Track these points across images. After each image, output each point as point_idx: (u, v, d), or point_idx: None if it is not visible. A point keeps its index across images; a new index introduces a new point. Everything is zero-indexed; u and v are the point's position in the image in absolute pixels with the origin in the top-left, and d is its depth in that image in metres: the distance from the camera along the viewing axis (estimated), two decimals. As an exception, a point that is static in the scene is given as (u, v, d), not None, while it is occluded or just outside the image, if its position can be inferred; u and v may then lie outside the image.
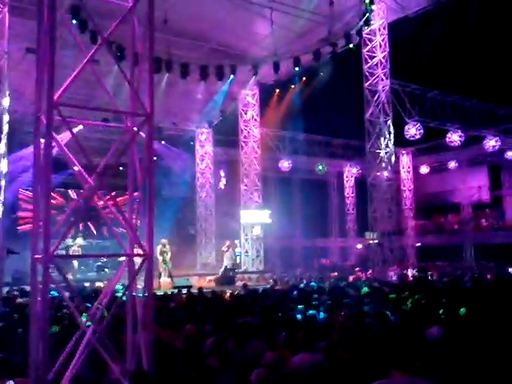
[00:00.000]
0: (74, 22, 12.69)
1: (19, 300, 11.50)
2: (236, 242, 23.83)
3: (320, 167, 28.64)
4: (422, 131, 21.32)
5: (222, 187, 27.27)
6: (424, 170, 30.01)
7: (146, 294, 4.84)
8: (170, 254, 18.60)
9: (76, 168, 4.51)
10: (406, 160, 30.57)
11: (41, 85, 4.44)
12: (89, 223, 24.21)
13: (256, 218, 23.17)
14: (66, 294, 5.49)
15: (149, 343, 4.78)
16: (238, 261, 22.80)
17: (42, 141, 4.16)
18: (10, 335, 7.21)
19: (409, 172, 30.49)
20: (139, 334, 4.83)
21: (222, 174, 27.63)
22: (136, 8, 4.55)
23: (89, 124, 12.72)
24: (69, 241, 22.53)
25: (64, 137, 6.74)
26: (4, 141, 12.21)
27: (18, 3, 13.12)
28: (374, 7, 16.84)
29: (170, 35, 15.87)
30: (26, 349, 4.75)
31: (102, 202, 4.93)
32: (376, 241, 18.69)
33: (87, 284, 16.75)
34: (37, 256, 4.27)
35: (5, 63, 11.27)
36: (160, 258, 18.05)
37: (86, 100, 16.34)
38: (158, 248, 17.90)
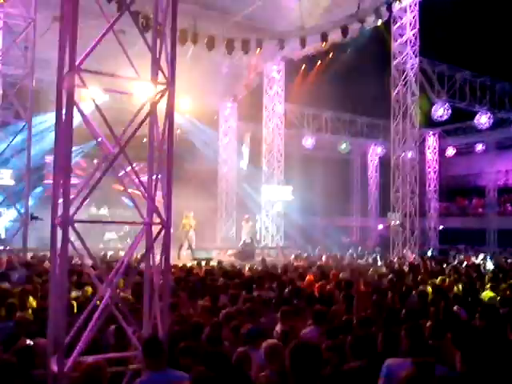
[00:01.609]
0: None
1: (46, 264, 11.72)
2: (257, 217, 23.91)
3: (343, 145, 28.38)
4: (449, 112, 20.88)
5: (245, 168, 27.21)
6: (450, 151, 29.49)
7: (163, 263, 4.91)
8: (193, 226, 18.82)
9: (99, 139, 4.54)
10: (431, 141, 30.08)
11: (64, 51, 4.47)
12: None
13: (277, 194, 23.16)
14: (87, 260, 5.61)
15: (165, 312, 4.86)
16: (257, 236, 22.92)
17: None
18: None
19: (434, 153, 30.02)
20: (155, 303, 4.90)
21: (245, 149, 27.51)
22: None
23: (111, 92, 12.79)
24: (93, 210, 22.95)
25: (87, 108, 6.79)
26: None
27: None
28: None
29: (197, 6, 15.72)
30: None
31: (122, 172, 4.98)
32: (398, 222, 18.56)
33: (111, 252, 17.02)
34: (56, 219, 4.35)
35: (31, 30, 11.32)
36: (183, 231, 18.29)
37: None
38: (183, 220, 18.16)
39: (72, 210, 4.17)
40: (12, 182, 16.01)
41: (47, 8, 13.91)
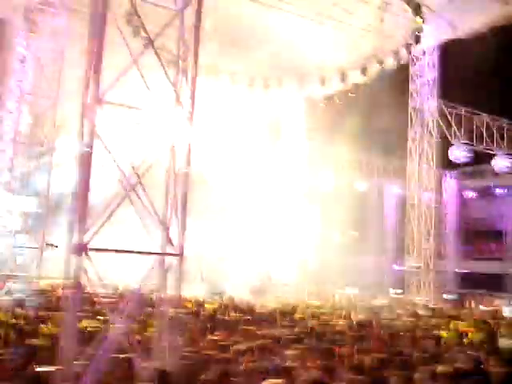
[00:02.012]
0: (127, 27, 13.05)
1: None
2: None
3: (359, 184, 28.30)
4: (468, 154, 20.74)
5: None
6: (469, 194, 29.18)
7: (175, 295, 4.90)
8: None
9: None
10: (449, 182, 29.83)
11: (88, 83, 4.59)
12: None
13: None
14: (99, 290, 5.62)
15: (175, 344, 4.82)
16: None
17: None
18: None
19: (452, 195, 29.73)
20: (166, 335, 4.87)
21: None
22: (184, 14, 4.67)
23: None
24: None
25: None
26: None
27: (77, 6, 13.56)
28: (424, 26, 16.61)
29: (219, 44, 16.10)
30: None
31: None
32: (415, 263, 18.31)
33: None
34: (72, 247, 4.39)
35: (59, 62, 11.69)
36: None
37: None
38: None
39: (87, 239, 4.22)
40: (35, 209, 16.21)
41: (74, 41, 14.40)
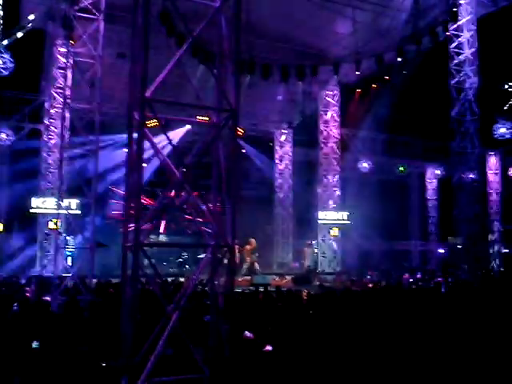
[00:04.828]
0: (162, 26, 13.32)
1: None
2: (313, 242, 23.77)
3: (401, 168, 27.92)
4: (512, 130, 20.18)
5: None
6: (514, 172, 28.36)
7: (228, 285, 5.00)
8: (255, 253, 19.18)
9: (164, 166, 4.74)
10: (493, 161, 29.04)
11: (134, 84, 4.74)
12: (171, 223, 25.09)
13: (334, 218, 23.00)
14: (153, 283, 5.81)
15: (230, 334, 4.93)
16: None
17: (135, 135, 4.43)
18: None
19: (496, 174, 28.94)
20: (220, 325, 4.98)
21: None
22: (223, 8, 4.72)
23: (177, 120, 13.29)
24: (152, 237, 23.53)
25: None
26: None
27: (112, 11, 13.90)
28: (462, 1, 16.21)
29: (252, 37, 16.14)
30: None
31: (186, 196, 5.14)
32: (459, 245, 17.97)
33: (170, 279, 17.38)
34: (127, 244, 4.54)
35: (98, 67, 11.97)
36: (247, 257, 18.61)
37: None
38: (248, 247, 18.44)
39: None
40: (78, 212, 16.78)
41: (111, 45, 14.75)
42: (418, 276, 21.00)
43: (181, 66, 5.49)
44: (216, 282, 5.24)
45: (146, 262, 4.74)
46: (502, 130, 20.15)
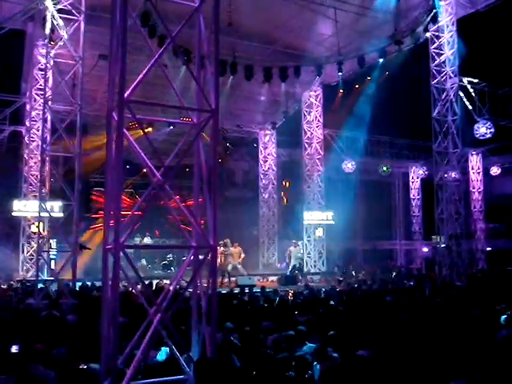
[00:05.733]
0: (144, 28, 13.22)
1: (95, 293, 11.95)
2: (299, 243, 23.82)
3: (384, 168, 28.09)
4: (492, 130, 20.38)
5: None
6: (495, 171, 28.70)
7: (210, 286, 4.98)
8: (231, 253, 18.93)
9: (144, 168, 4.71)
10: (475, 160, 29.37)
11: (113, 85, 4.70)
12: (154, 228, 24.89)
13: (319, 219, 23.07)
14: (135, 285, 5.77)
15: (213, 335, 4.91)
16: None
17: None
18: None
19: (478, 173, 29.27)
20: (203, 327, 4.96)
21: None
22: (202, 9, 4.71)
23: (156, 121, 13.24)
24: (137, 240, 23.34)
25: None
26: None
27: (92, 12, 13.79)
28: (442, 3, 16.38)
29: (235, 38, 16.15)
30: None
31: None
32: (443, 244, 18.12)
33: (154, 281, 17.25)
34: (108, 246, 4.50)
35: (79, 68, 11.88)
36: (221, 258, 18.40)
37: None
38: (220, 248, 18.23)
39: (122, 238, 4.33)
40: (61, 215, 16.58)
41: (92, 47, 14.63)
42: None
43: (164, 67, 5.48)
44: (199, 284, 5.23)
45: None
46: (483, 130, 20.36)
